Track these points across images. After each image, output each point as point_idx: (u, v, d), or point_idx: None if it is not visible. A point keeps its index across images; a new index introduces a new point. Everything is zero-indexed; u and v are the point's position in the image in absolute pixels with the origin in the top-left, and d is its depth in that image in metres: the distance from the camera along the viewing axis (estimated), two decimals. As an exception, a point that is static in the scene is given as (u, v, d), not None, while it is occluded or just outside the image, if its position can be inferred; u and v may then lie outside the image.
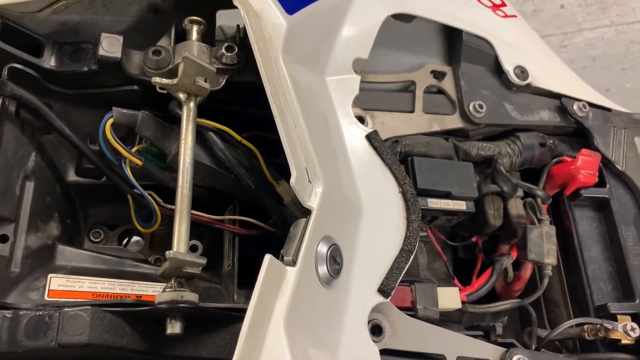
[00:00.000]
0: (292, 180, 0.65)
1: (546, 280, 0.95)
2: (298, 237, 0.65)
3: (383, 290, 0.74)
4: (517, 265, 1.00)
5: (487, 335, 0.90)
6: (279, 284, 0.61)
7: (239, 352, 0.54)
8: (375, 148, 0.83)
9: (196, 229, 0.84)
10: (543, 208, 0.98)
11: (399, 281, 0.76)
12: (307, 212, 0.67)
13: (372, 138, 0.83)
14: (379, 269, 0.75)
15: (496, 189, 0.98)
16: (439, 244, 1.01)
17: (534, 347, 0.94)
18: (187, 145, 0.67)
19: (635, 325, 0.90)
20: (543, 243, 0.94)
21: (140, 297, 0.72)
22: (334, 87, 0.84)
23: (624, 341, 0.90)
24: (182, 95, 0.70)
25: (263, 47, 0.71)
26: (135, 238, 0.87)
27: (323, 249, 0.67)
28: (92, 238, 0.83)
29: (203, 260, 0.60)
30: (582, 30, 2.36)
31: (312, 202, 0.67)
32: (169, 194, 0.74)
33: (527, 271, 0.99)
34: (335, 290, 0.69)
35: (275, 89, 0.69)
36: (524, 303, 0.96)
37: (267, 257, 0.60)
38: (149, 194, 0.74)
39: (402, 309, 0.81)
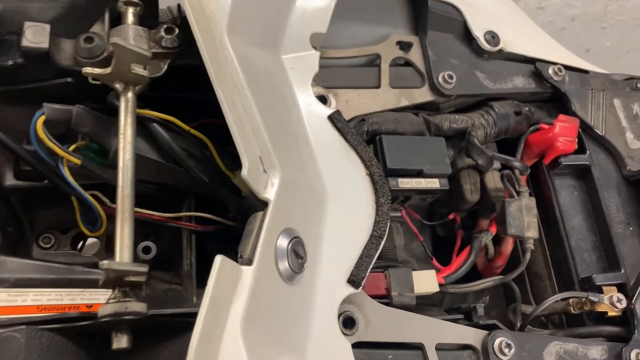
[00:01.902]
0: (244, 171, 0.60)
1: (528, 255, 0.91)
2: (255, 232, 0.60)
3: (353, 281, 0.69)
4: (498, 240, 0.96)
5: (468, 317, 0.86)
6: (233, 286, 0.56)
7: (189, 365, 0.49)
8: (338, 129, 0.77)
9: (153, 227, 0.79)
10: (522, 179, 0.94)
11: (369, 269, 0.71)
12: (264, 204, 0.62)
13: (334, 119, 0.78)
14: (348, 259, 0.71)
15: (472, 162, 0.94)
16: (415, 223, 0.96)
17: (519, 324, 0.91)
18: (126, 139, 0.62)
19: (621, 296, 0.87)
20: (523, 216, 0.90)
21: (91, 306, 0.66)
22: (290, 66, 0.79)
23: (610, 313, 0.86)
24: (118, 85, 0.63)
25: (205, 26, 0.65)
26: (90, 240, 0.82)
27: (283, 243, 0.62)
28: (41, 244, 0.77)
29: (144, 268, 0.55)
30: (560, -10, 2.31)
31: (269, 193, 0.62)
32: (118, 193, 0.68)
33: (508, 246, 0.95)
34: (299, 285, 0.64)
35: (221, 72, 0.63)
36: (507, 279, 0.92)
37: (218, 259, 0.55)
38: (94, 195, 0.68)
39: (376, 297, 0.77)
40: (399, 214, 0.92)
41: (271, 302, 0.60)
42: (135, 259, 0.69)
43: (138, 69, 0.62)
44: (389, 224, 0.75)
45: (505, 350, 0.76)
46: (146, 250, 0.69)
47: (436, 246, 1.04)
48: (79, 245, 0.81)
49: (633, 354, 0.82)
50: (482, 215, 0.99)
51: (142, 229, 0.80)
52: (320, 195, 0.72)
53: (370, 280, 0.77)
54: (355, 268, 0.70)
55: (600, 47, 2.27)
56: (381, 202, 0.75)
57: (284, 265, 0.61)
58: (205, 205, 0.77)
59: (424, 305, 0.89)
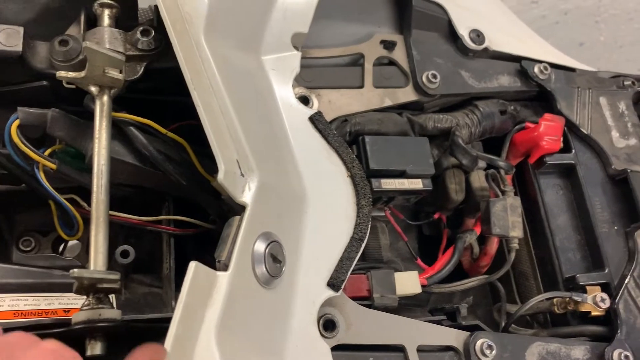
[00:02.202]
0: (220, 175, 0.59)
1: (513, 254, 0.91)
2: (231, 237, 0.60)
3: (333, 284, 0.69)
4: (484, 240, 0.96)
5: (452, 318, 0.86)
6: (208, 292, 0.56)
7: (162, 373, 0.49)
8: (319, 130, 0.77)
9: (135, 230, 0.78)
10: (507, 179, 0.94)
11: (350, 272, 0.71)
12: (241, 208, 0.62)
13: (315, 120, 0.77)
14: (328, 262, 0.70)
15: (457, 162, 0.93)
16: (401, 222, 0.96)
17: (503, 323, 0.91)
18: (101, 144, 0.61)
19: (605, 295, 0.87)
20: (507, 216, 0.90)
21: (69, 311, 0.66)
22: (271, 67, 0.78)
23: (594, 313, 0.86)
24: (93, 89, 0.63)
25: (181, 28, 0.64)
26: (72, 242, 0.81)
27: (260, 247, 0.62)
28: (21, 247, 0.77)
29: (115, 276, 0.55)
30: (554, -16, 2.30)
31: (246, 197, 0.62)
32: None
33: (493, 246, 0.95)
34: (278, 290, 0.64)
35: (197, 75, 0.62)
36: (492, 279, 0.92)
37: (192, 265, 0.54)
38: (72, 198, 0.68)
39: (358, 298, 0.76)
40: (383, 214, 0.92)
41: (248, 308, 0.59)
42: (114, 263, 0.69)
43: (113, 73, 0.61)
44: (369, 226, 0.74)
45: (487, 352, 0.76)
46: (124, 254, 0.69)
47: (423, 245, 1.03)
48: (60, 248, 0.81)
49: (615, 354, 0.82)
50: (467, 214, 0.98)
51: (122, 232, 0.80)
52: (300, 198, 0.71)
53: (352, 282, 0.77)
54: (335, 271, 0.70)
55: (593, 41, 2.27)
56: (362, 204, 0.75)
57: (261, 269, 0.61)
58: (187, 208, 0.76)
59: (408, 305, 0.89)
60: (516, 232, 0.90)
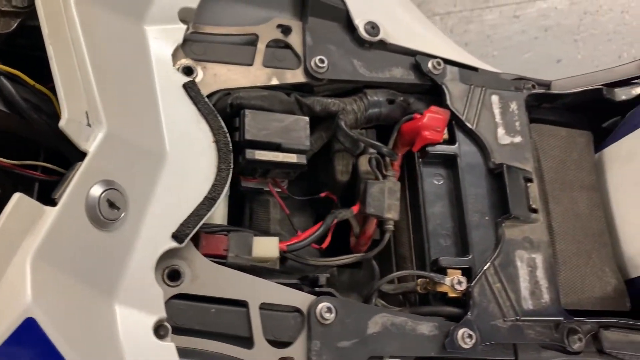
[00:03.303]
0: (62, 122, 0.65)
1: (387, 235, 0.96)
2: (68, 179, 0.66)
3: (177, 236, 0.75)
4: (365, 221, 1.01)
5: (313, 286, 0.91)
6: (31, 222, 0.62)
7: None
8: (191, 97, 0.83)
9: (21, 178, 0.84)
10: (394, 165, 0.99)
11: (197, 227, 0.77)
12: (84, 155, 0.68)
13: (188, 87, 0.83)
14: (178, 216, 0.76)
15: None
16: (293, 199, 1.01)
17: (374, 299, 0.96)
18: (-39, 86, 0.67)
19: (462, 279, 0.91)
20: (384, 198, 0.95)
21: None
22: (154, 36, 0.84)
23: (450, 294, 0.91)
24: (-37, 37, 0.69)
25: (49, -12, 0.70)
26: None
27: (97, 191, 0.68)
28: None
29: None
30: (536, 0, 2.34)
31: (89, 145, 0.68)
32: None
33: (371, 226, 0.99)
34: (116, 233, 0.70)
35: (56, 30, 0.69)
36: (367, 257, 0.97)
37: (16, 196, 0.61)
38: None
39: (214, 256, 0.82)
40: (266, 188, 0.97)
41: (75, 245, 0.65)
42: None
43: (-22, 23, 0.68)
44: (225, 188, 0.80)
45: (326, 315, 0.81)
46: (-11, 192, 0.75)
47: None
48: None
49: (460, 332, 0.87)
50: (357, 196, 1.03)
51: (9, 179, 0.86)
52: (158, 155, 0.77)
53: (211, 241, 0.83)
54: (181, 225, 0.75)
55: (571, 58, 2.30)
56: (222, 168, 0.80)
57: (95, 212, 0.67)
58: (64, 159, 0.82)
59: (276, 272, 0.94)
60: (392, 214, 0.95)
